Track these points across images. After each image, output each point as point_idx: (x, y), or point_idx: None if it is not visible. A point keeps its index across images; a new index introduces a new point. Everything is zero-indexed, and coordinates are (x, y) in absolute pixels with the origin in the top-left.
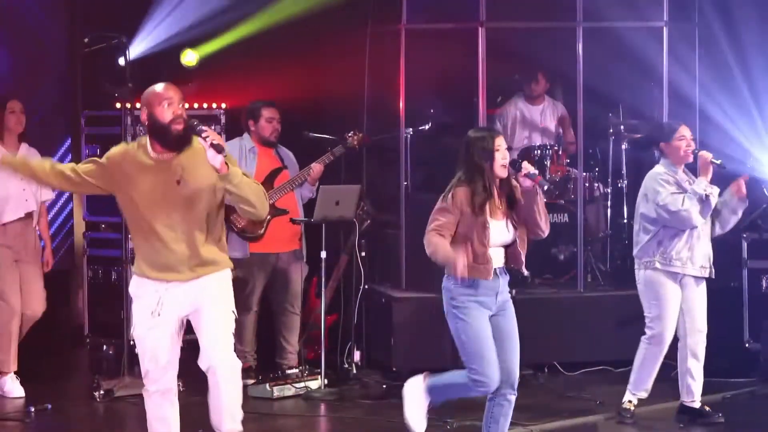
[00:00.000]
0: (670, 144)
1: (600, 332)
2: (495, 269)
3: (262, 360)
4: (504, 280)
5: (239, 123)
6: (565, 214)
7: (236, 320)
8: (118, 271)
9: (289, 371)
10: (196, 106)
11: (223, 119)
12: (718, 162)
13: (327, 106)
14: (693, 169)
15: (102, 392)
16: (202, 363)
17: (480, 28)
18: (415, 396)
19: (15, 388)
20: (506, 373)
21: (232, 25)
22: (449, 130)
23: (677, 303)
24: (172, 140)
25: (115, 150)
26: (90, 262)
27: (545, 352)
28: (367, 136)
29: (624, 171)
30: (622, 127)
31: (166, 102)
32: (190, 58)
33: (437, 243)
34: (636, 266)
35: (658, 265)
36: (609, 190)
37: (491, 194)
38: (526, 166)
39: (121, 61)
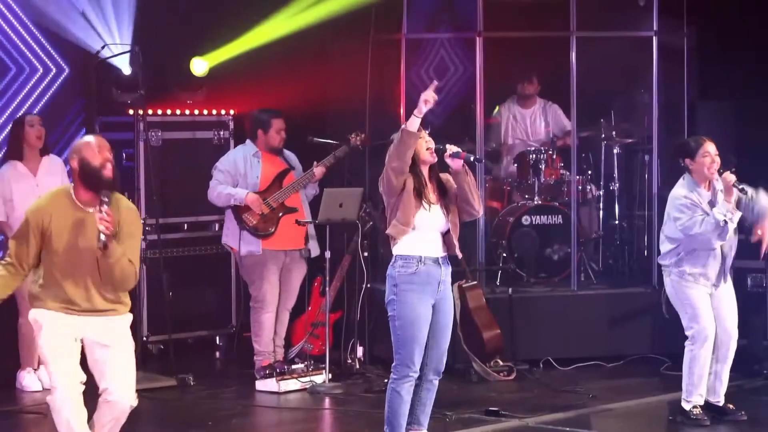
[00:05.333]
0: (694, 161)
1: (593, 329)
2: (437, 258)
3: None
4: (446, 270)
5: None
6: (559, 216)
7: (255, 319)
8: None
9: (294, 366)
10: (205, 112)
11: (231, 125)
12: (740, 187)
13: (331, 112)
14: None
15: None
16: None
17: (478, 38)
18: None
19: (33, 382)
20: (436, 361)
21: (241, 33)
22: (448, 135)
23: (707, 300)
24: None
25: None
26: None
27: (540, 348)
28: (368, 137)
29: (615, 174)
30: (613, 132)
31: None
32: (199, 66)
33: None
34: (663, 271)
35: (674, 276)
36: (601, 193)
37: (423, 181)
38: (450, 147)
39: (132, 69)
